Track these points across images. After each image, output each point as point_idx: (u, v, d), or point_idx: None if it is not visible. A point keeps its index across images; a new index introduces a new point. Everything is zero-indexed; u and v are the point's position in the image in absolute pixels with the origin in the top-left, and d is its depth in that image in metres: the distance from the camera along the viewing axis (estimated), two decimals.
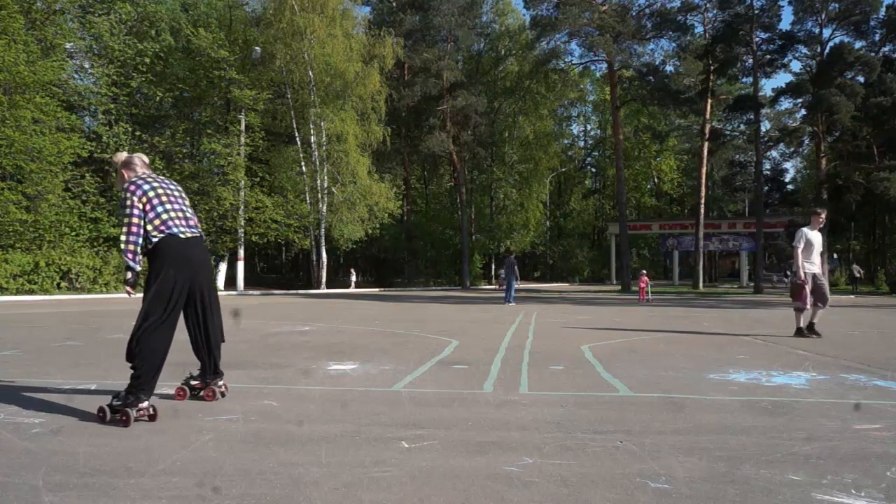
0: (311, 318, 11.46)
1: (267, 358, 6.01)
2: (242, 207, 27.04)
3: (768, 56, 30.78)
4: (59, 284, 20.41)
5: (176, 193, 3.76)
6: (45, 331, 8.72)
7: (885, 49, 29.72)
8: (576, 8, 30.08)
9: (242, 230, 27.22)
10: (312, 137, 29.38)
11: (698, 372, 5.29)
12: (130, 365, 3.44)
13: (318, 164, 29.55)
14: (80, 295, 20.16)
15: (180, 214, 3.67)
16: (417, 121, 37.78)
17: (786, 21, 70.94)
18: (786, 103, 35.67)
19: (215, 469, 2.61)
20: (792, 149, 40.06)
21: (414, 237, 40.19)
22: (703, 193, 33.82)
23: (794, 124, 37.29)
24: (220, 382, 4.01)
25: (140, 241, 3.51)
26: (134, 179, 3.64)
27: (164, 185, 3.71)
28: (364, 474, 2.56)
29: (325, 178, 29.85)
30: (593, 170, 64.19)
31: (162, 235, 3.54)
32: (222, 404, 3.87)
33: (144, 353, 3.41)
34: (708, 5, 32.39)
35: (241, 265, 27.16)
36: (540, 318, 12.02)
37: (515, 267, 19.32)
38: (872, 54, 28.32)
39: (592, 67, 44.64)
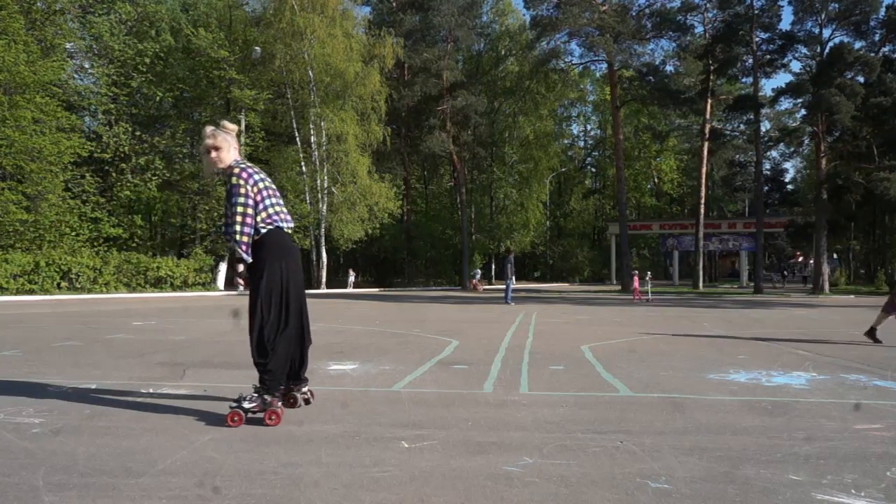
0: (311, 318, 11.44)
1: None
2: None
3: (768, 56, 30.75)
4: (59, 284, 20.41)
5: (274, 186, 3.66)
6: (45, 331, 8.71)
7: (885, 49, 29.67)
8: (576, 8, 30.06)
9: None
10: (312, 137, 29.37)
11: (698, 372, 5.29)
12: (261, 363, 3.42)
13: (318, 164, 29.54)
14: (80, 295, 20.15)
15: (281, 208, 3.60)
16: (417, 121, 37.76)
17: (786, 21, 71.09)
18: (786, 103, 35.64)
19: (215, 469, 2.61)
20: (792, 149, 40.07)
21: (414, 237, 40.18)
22: (703, 193, 33.80)
23: (794, 124, 37.27)
24: (305, 389, 3.83)
25: (252, 232, 3.42)
26: (243, 167, 3.50)
27: (266, 177, 3.61)
28: (364, 474, 2.56)
29: (325, 178, 29.84)
30: (593, 170, 64.15)
31: (270, 228, 3.49)
32: (223, 404, 3.87)
33: (278, 352, 3.44)
34: (708, 5, 32.36)
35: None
36: (540, 318, 12.02)
37: (510, 266, 19.27)
38: (872, 54, 28.27)
39: (592, 67, 44.68)
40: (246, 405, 3.36)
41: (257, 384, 3.45)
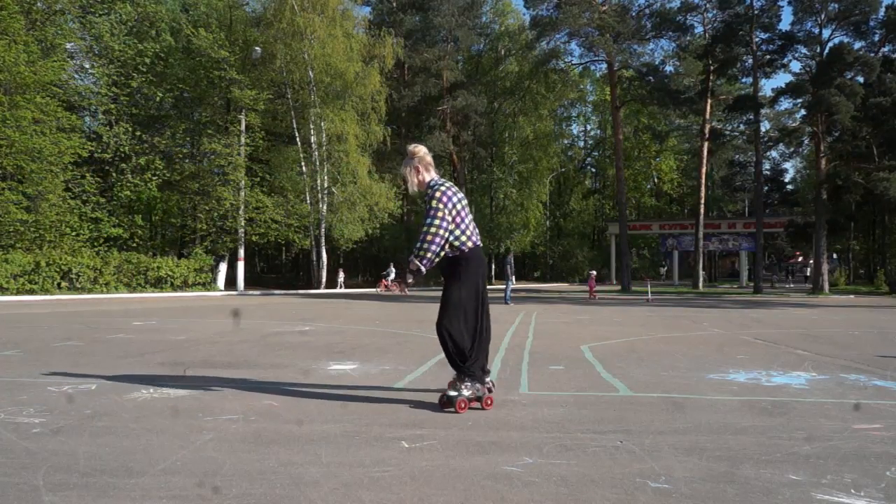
0: (311, 318, 11.46)
1: (267, 358, 6.02)
2: (243, 207, 27.05)
3: (768, 56, 30.73)
4: (59, 284, 20.41)
5: (466, 202, 3.96)
6: (46, 331, 8.72)
7: (885, 49, 29.65)
8: (576, 8, 30.03)
9: (243, 230, 27.22)
10: (312, 137, 29.37)
11: (698, 372, 5.30)
12: (460, 365, 3.76)
13: (318, 164, 29.55)
14: (80, 295, 20.16)
15: (473, 225, 3.92)
16: (417, 121, 37.75)
17: (785, 21, 70.97)
18: (785, 103, 35.61)
19: (215, 469, 2.62)
20: (792, 149, 39.99)
21: (414, 237, 40.16)
22: (702, 193, 33.78)
23: (793, 124, 37.24)
24: (487, 380, 4.10)
25: (441, 251, 3.76)
26: (443, 189, 3.80)
27: (460, 196, 3.91)
28: (364, 474, 2.56)
29: (326, 178, 29.85)
30: (593, 170, 64.13)
31: (470, 245, 3.83)
32: (223, 404, 3.88)
33: (474, 356, 3.79)
34: (708, 5, 32.33)
35: (241, 265, 27.17)
36: (540, 318, 12.02)
37: (509, 266, 19.24)
38: (872, 54, 28.25)
39: (592, 67, 44.61)
40: (466, 393, 3.72)
41: (459, 376, 3.81)
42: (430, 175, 3.93)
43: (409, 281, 3.78)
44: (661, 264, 53.98)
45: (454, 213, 3.78)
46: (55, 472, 2.56)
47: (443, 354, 4.37)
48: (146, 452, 2.84)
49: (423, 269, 3.73)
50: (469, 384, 3.75)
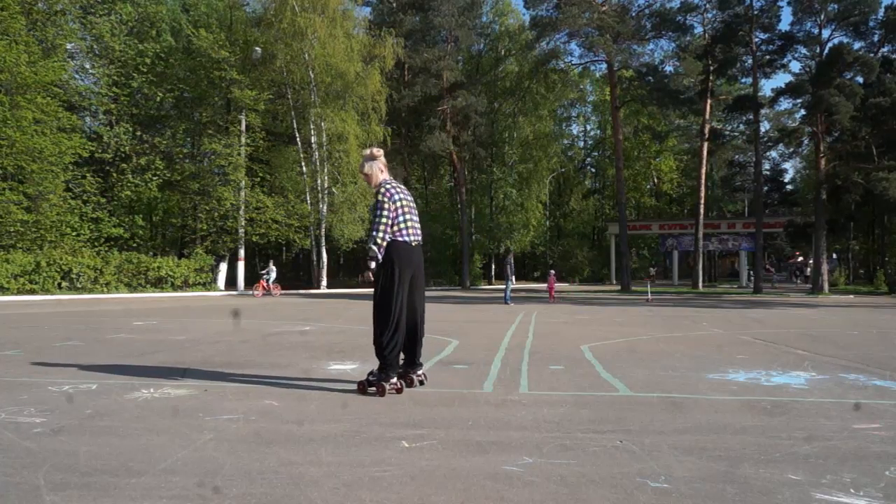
0: (311, 318, 11.46)
1: (267, 358, 6.02)
2: (243, 207, 27.05)
3: (768, 56, 30.73)
4: (60, 284, 20.43)
5: (412, 205, 4.43)
6: (46, 331, 8.73)
7: (884, 50, 29.65)
8: (575, 8, 30.02)
9: (243, 230, 27.22)
10: (313, 137, 29.38)
11: (698, 372, 5.30)
12: (378, 353, 4.21)
13: (318, 164, 29.55)
14: (80, 295, 20.17)
15: (412, 224, 4.35)
16: (417, 121, 37.74)
17: (785, 21, 71.05)
18: (785, 103, 35.60)
19: (215, 469, 2.62)
20: (791, 149, 40.02)
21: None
22: (702, 193, 33.77)
23: (793, 125, 37.24)
24: (420, 372, 4.57)
25: (387, 237, 4.21)
26: (388, 187, 4.30)
27: (406, 197, 4.39)
28: (364, 474, 2.57)
29: (326, 178, 29.86)
30: (593, 170, 64.11)
31: (399, 239, 4.25)
32: (223, 404, 3.88)
33: (390, 346, 4.17)
34: (707, 6, 32.34)
35: (241, 265, 27.17)
36: (540, 318, 12.02)
37: (509, 266, 19.22)
38: (871, 55, 28.24)
39: (592, 68, 44.61)
40: (370, 378, 4.21)
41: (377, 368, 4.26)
42: (384, 176, 4.42)
43: (373, 267, 4.21)
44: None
45: (395, 208, 4.24)
46: (56, 472, 2.56)
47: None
48: (146, 452, 2.85)
49: (377, 254, 4.17)
50: (377, 373, 4.17)
